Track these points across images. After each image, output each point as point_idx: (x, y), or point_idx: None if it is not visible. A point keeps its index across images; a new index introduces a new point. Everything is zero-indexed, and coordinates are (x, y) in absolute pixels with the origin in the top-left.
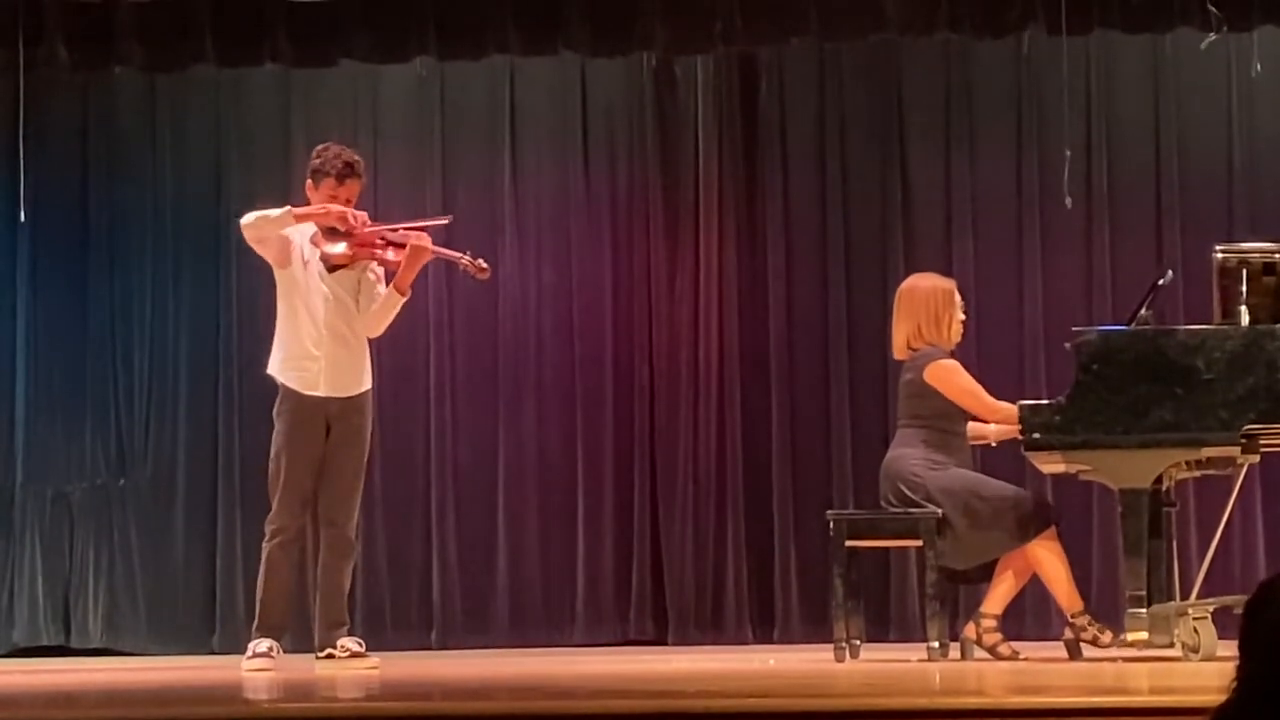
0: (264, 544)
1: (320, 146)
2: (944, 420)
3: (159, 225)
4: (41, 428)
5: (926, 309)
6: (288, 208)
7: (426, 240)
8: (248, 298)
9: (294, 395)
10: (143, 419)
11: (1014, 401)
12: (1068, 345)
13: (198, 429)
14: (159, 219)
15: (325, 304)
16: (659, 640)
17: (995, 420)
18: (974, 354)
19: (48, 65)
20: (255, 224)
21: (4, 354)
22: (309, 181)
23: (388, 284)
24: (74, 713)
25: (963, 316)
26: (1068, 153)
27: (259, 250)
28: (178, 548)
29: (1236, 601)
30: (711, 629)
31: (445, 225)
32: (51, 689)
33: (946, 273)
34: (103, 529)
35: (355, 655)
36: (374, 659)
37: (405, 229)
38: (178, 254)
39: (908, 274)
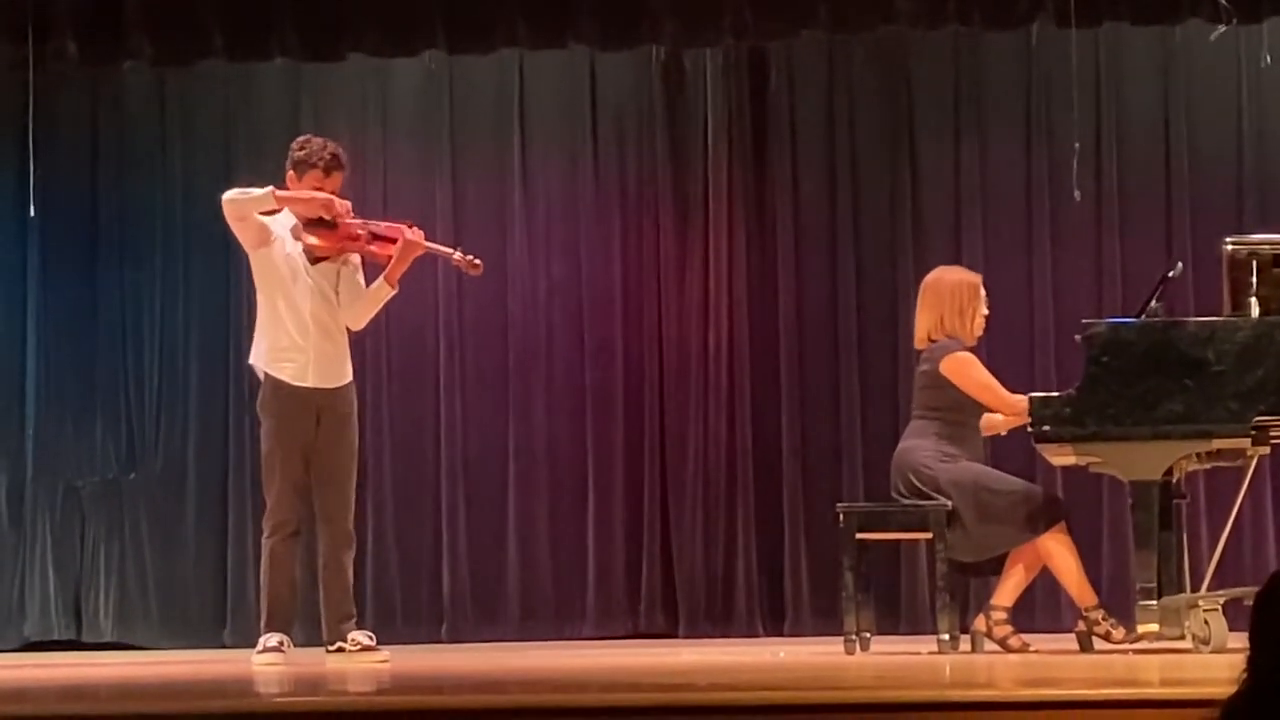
0: (264, 540)
1: (302, 138)
2: (957, 412)
3: (168, 220)
4: (52, 422)
5: (952, 301)
6: (270, 188)
7: (419, 235)
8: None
9: (283, 387)
10: (153, 413)
11: (1024, 394)
12: (1077, 337)
13: (208, 423)
14: (168, 214)
15: (309, 295)
16: (669, 633)
17: (1010, 414)
18: (984, 346)
19: (57, 60)
20: (237, 201)
21: (14, 349)
22: (290, 172)
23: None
24: (85, 707)
25: (986, 311)
26: (1077, 145)
27: (236, 229)
28: (189, 542)
29: (1247, 593)
30: (722, 622)
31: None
32: (63, 683)
33: (955, 265)
34: (113, 523)
35: (366, 649)
36: (384, 652)
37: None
38: (187, 249)
39: (917, 266)
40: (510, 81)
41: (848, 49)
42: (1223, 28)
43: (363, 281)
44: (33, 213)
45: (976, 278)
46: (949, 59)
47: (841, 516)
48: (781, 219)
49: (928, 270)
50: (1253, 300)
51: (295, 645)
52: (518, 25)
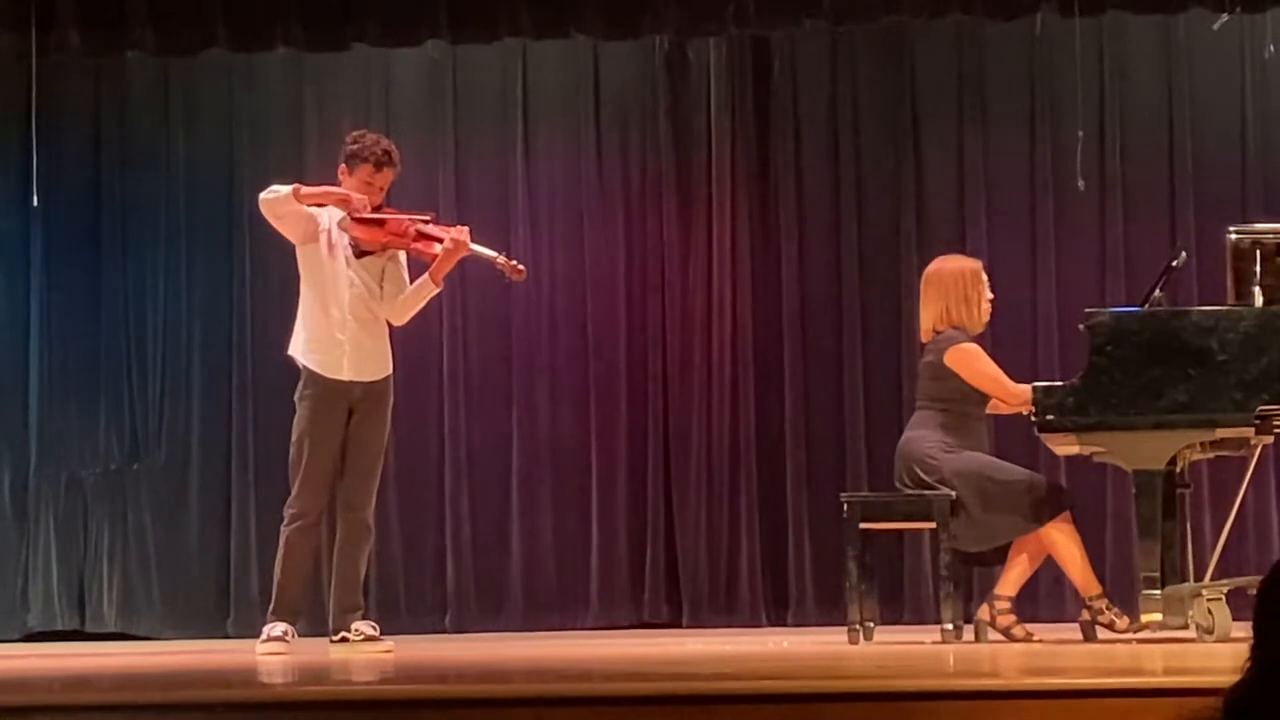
0: (283, 527)
1: (357, 132)
2: (962, 403)
3: (172, 210)
4: (55, 412)
5: (956, 289)
6: (294, 185)
7: (466, 236)
8: (261, 282)
9: (318, 378)
10: (156, 403)
11: (1028, 383)
12: (1081, 326)
13: (212, 413)
14: (172, 204)
15: (350, 289)
16: (673, 623)
17: (1015, 405)
18: (987, 336)
19: (60, 50)
20: (267, 201)
21: (18, 339)
22: (343, 165)
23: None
24: (89, 696)
25: (990, 296)
26: (1080, 134)
27: (277, 226)
28: (192, 532)
29: (1250, 582)
30: (726, 611)
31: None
32: (67, 673)
33: (959, 255)
34: (117, 513)
35: (369, 639)
36: (388, 642)
37: (423, 219)
38: (191, 239)
39: (921, 257)
40: (513, 71)
41: (851, 38)
42: (1225, 17)
43: (407, 278)
44: (36, 202)
45: (977, 264)
46: (952, 48)
47: (845, 506)
48: (785, 209)
49: (931, 260)
50: (1256, 289)
51: (299, 635)
52: (521, 14)
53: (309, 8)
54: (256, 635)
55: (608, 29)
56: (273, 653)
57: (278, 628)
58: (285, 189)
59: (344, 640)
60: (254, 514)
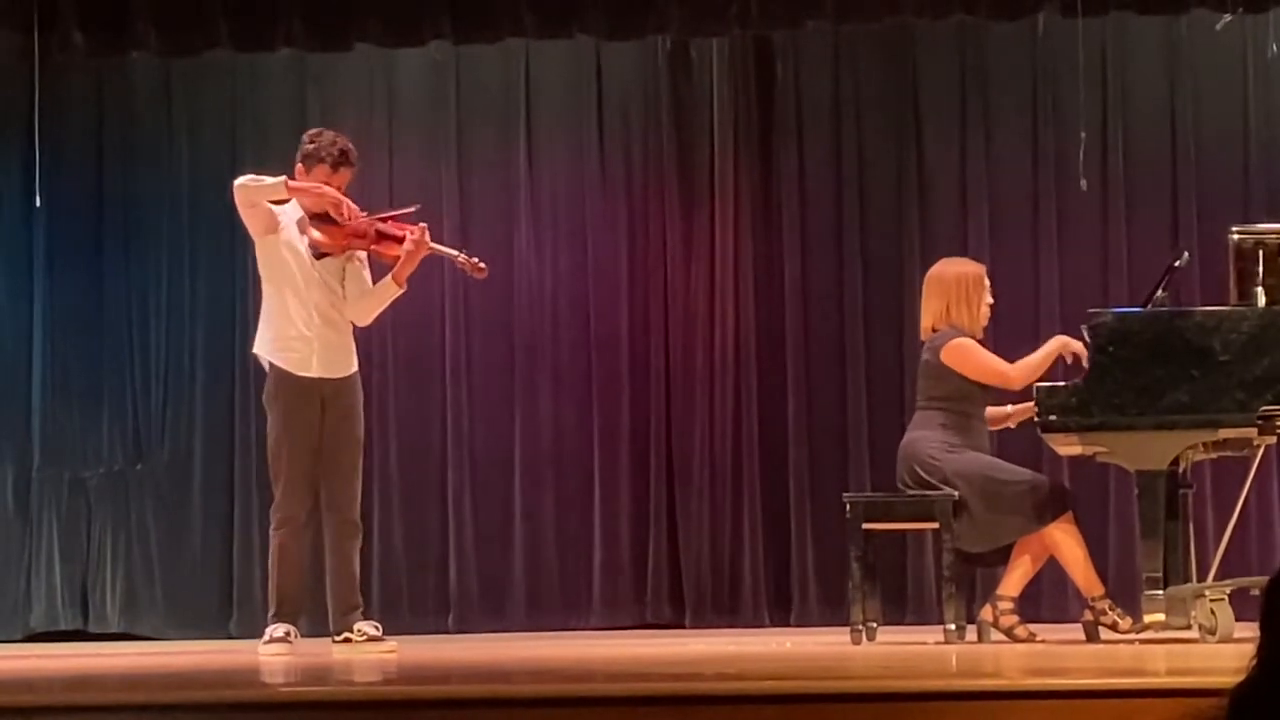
0: (272, 532)
1: (313, 131)
2: (962, 402)
3: (175, 211)
4: (58, 413)
5: (957, 291)
6: (283, 178)
7: (425, 236)
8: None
9: (288, 377)
10: (159, 404)
11: (1029, 385)
12: (1083, 327)
13: (214, 414)
14: (175, 204)
15: (314, 286)
16: (676, 623)
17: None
18: (989, 335)
19: (63, 51)
20: (248, 188)
21: (21, 340)
22: (299, 166)
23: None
24: (92, 697)
25: (990, 301)
26: (1083, 134)
27: (244, 214)
28: (195, 532)
29: (1254, 583)
30: (728, 612)
31: (415, 211)
32: (70, 673)
33: (962, 255)
34: (120, 514)
35: (372, 639)
36: (391, 643)
37: (382, 218)
38: (194, 239)
39: (923, 256)
40: (516, 71)
41: (853, 39)
42: (1228, 17)
43: (369, 278)
44: (39, 203)
45: (980, 268)
46: (954, 49)
47: (848, 507)
48: (788, 208)
49: (934, 259)
50: (1259, 290)
51: (302, 635)
52: (524, 15)
53: (312, 8)
54: (259, 635)
55: (610, 29)
56: (275, 653)
57: (280, 629)
58: (273, 179)
59: (347, 640)
60: (257, 514)
